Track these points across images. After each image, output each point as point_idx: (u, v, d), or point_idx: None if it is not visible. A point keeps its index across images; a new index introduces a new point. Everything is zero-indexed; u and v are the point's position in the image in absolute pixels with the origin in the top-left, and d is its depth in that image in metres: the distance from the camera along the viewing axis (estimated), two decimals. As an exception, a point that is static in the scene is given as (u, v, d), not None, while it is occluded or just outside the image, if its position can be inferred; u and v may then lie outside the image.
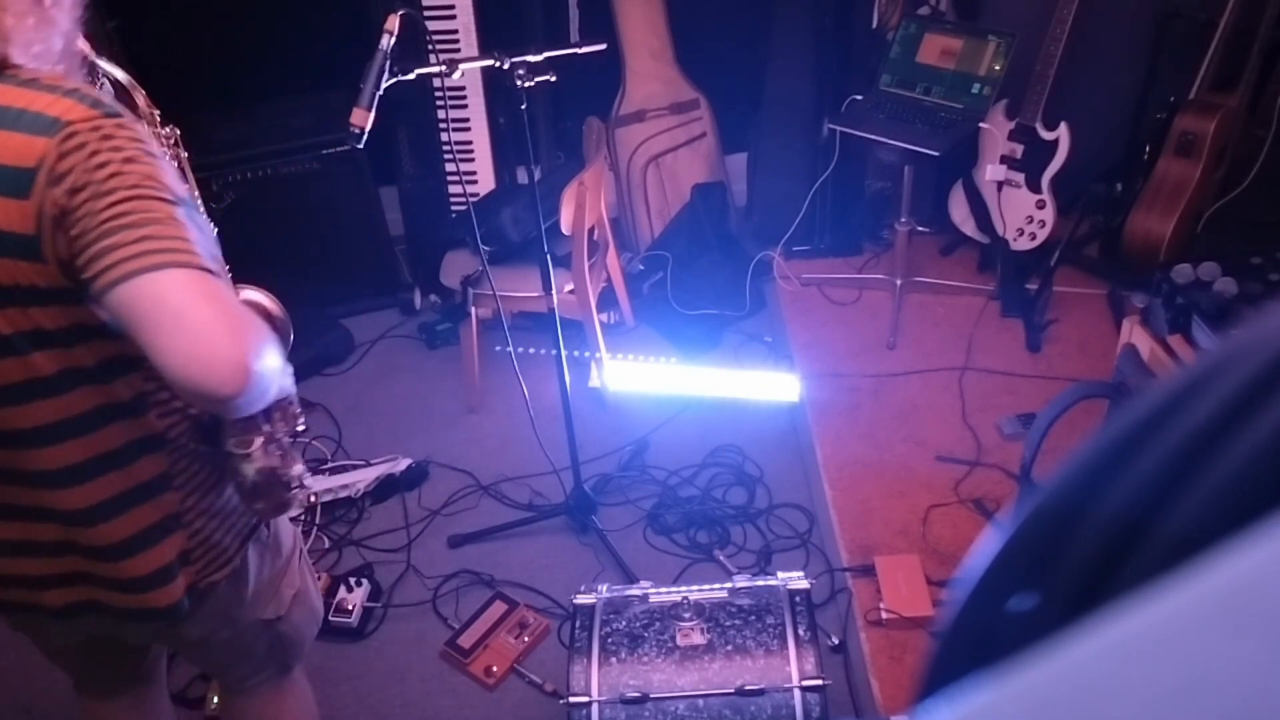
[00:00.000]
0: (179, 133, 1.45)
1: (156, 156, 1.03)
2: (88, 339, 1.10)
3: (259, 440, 1.25)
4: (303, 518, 2.64)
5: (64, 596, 1.26)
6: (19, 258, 1.02)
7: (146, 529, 1.22)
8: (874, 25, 3.18)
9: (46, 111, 1.00)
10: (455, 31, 3.05)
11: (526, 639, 2.27)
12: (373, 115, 1.76)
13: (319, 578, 2.39)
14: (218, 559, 1.30)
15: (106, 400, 1.14)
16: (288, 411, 1.34)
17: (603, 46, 2.09)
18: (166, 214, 1.00)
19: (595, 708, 1.69)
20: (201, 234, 1.04)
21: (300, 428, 1.38)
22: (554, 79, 1.99)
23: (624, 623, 1.80)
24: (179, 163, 1.35)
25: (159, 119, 1.37)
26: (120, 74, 1.35)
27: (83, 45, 1.17)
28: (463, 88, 3.15)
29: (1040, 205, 2.98)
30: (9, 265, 1.02)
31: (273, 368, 1.05)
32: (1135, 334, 2.17)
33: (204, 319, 0.98)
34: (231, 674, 1.57)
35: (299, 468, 1.31)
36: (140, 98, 1.35)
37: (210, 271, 1.01)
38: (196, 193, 1.14)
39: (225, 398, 0.98)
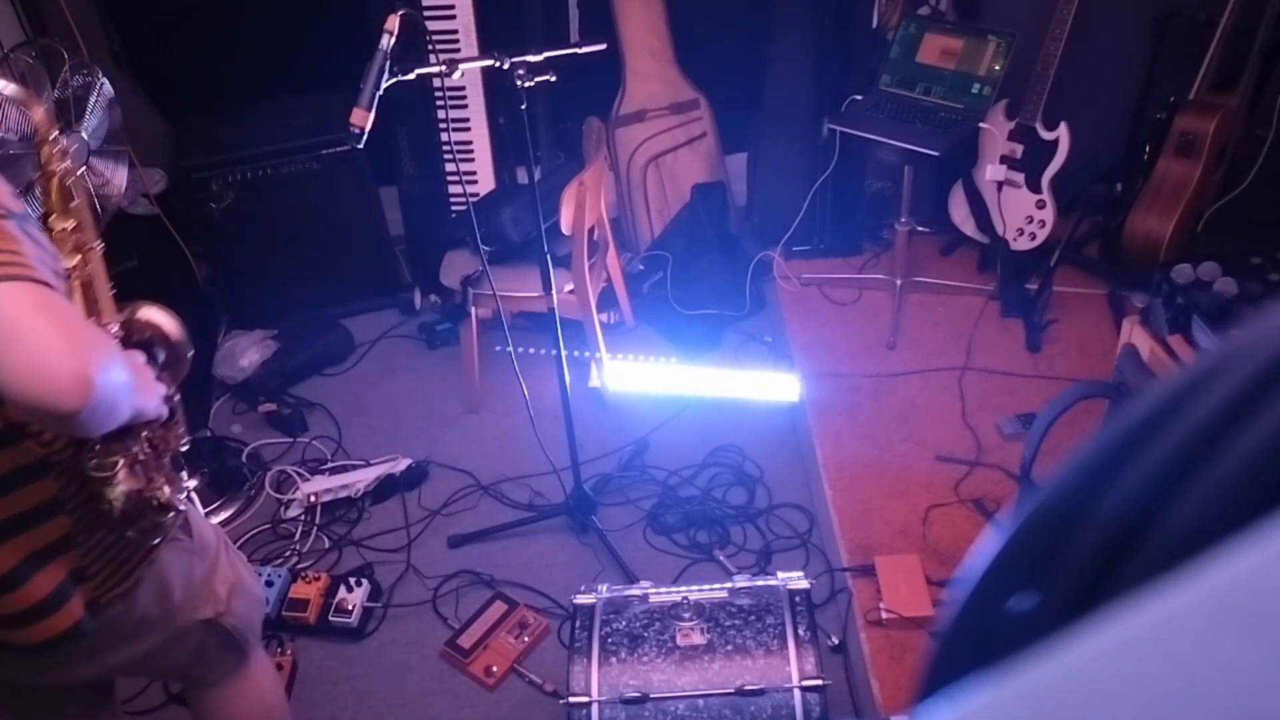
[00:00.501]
0: (82, 145, 1.39)
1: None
2: None
3: (120, 461, 1.20)
4: (303, 517, 2.64)
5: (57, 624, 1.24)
6: None
7: (31, 555, 1.18)
8: (874, 25, 3.18)
9: None
10: (455, 31, 3.05)
11: (526, 639, 2.27)
12: (373, 115, 1.76)
13: (318, 578, 2.40)
14: (117, 572, 1.28)
15: None
16: (169, 432, 1.32)
17: (603, 46, 2.09)
18: None
19: (595, 708, 1.69)
20: (38, 246, 1.01)
21: (183, 446, 1.36)
22: (554, 79, 1.99)
23: (624, 623, 1.80)
24: (69, 187, 1.30)
25: (55, 136, 1.32)
26: (9, 89, 1.32)
27: None
28: (463, 88, 3.15)
29: (1040, 205, 2.98)
30: None
31: (119, 383, 1.01)
32: (1135, 334, 2.17)
33: (38, 332, 0.93)
34: (192, 674, 1.57)
35: (168, 489, 1.26)
36: (38, 112, 1.30)
37: (45, 284, 0.97)
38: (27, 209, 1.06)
39: (66, 413, 0.94)
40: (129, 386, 1.06)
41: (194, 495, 1.47)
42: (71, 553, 1.22)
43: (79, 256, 1.27)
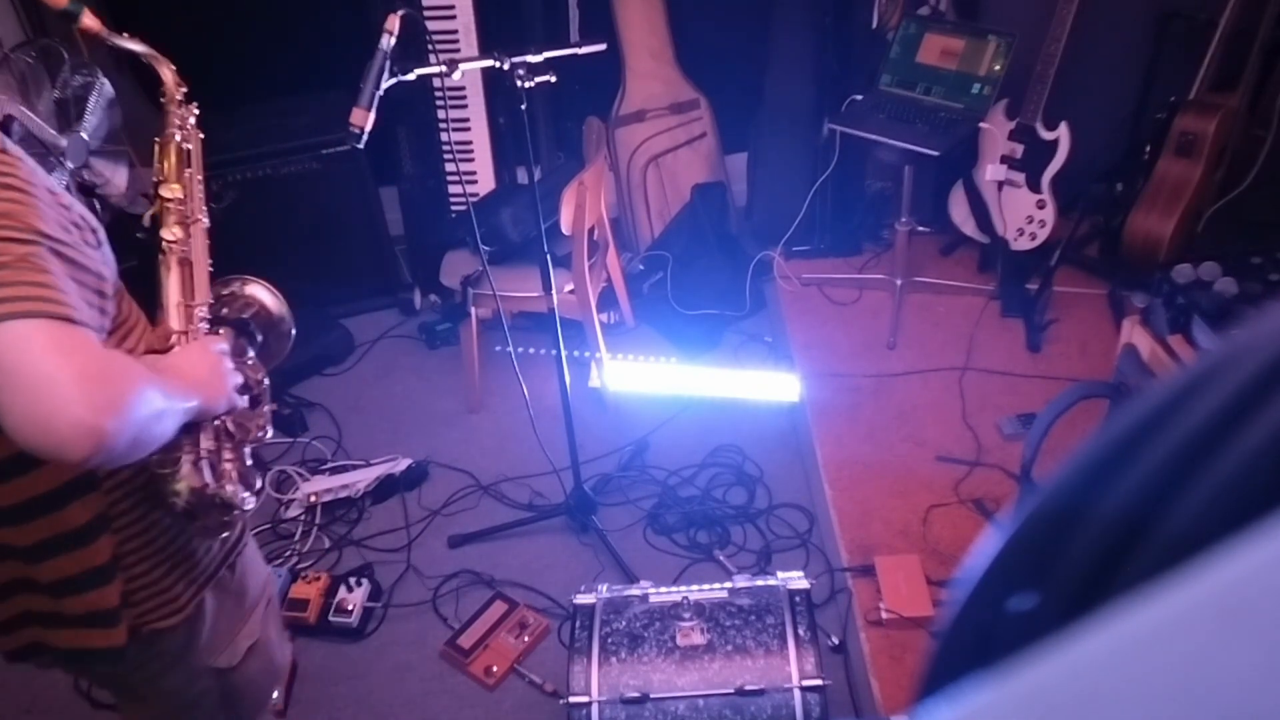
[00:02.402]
0: (197, 113, 1.40)
1: (24, 192, 0.94)
2: None
3: (187, 459, 1.15)
4: (303, 518, 2.64)
5: (12, 641, 1.23)
6: None
7: (86, 572, 1.15)
8: (874, 25, 3.18)
9: None
10: (455, 31, 3.05)
11: (526, 639, 2.27)
12: (373, 115, 1.76)
13: (318, 578, 2.39)
14: (165, 605, 1.23)
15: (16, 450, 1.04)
16: (249, 421, 1.26)
17: (603, 46, 2.10)
18: (19, 255, 0.90)
19: (595, 708, 1.69)
20: (76, 268, 0.97)
21: (267, 436, 1.30)
22: (554, 79, 1.99)
23: (624, 623, 1.80)
24: (191, 146, 1.28)
25: (185, 96, 1.32)
26: (139, 47, 1.30)
27: None
28: (463, 88, 3.15)
29: (1040, 205, 2.98)
30: None
31: (144, 417, 0.95)
32: (1135, 334, 2.17)
33: (45, 376, 0.88)
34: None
35: (230, 488, 1.20)
36: (167, 72, 1.30)
37: (67, 319, 0.91)
38: (92, 223, 1.04)
39: (74, 461, 0.89)
40: (165, 413, 1.01)
41: (250, 538, 1.39)
42: (119, 577, 1.18)
43: (181, 230, 1.24)
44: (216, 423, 1.20)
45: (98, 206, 2.32)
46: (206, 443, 1.17)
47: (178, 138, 1.26)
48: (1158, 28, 2.96)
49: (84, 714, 2.19)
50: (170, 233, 1.24)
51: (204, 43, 3.35)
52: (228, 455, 1.22)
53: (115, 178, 2.32)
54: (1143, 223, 2.93)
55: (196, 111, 1.31)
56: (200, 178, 1.31)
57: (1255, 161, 3.00)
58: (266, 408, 1.31)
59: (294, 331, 1.38)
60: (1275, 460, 0.22)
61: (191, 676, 1.33)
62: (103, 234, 1.10)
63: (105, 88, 2.26)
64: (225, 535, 1.28)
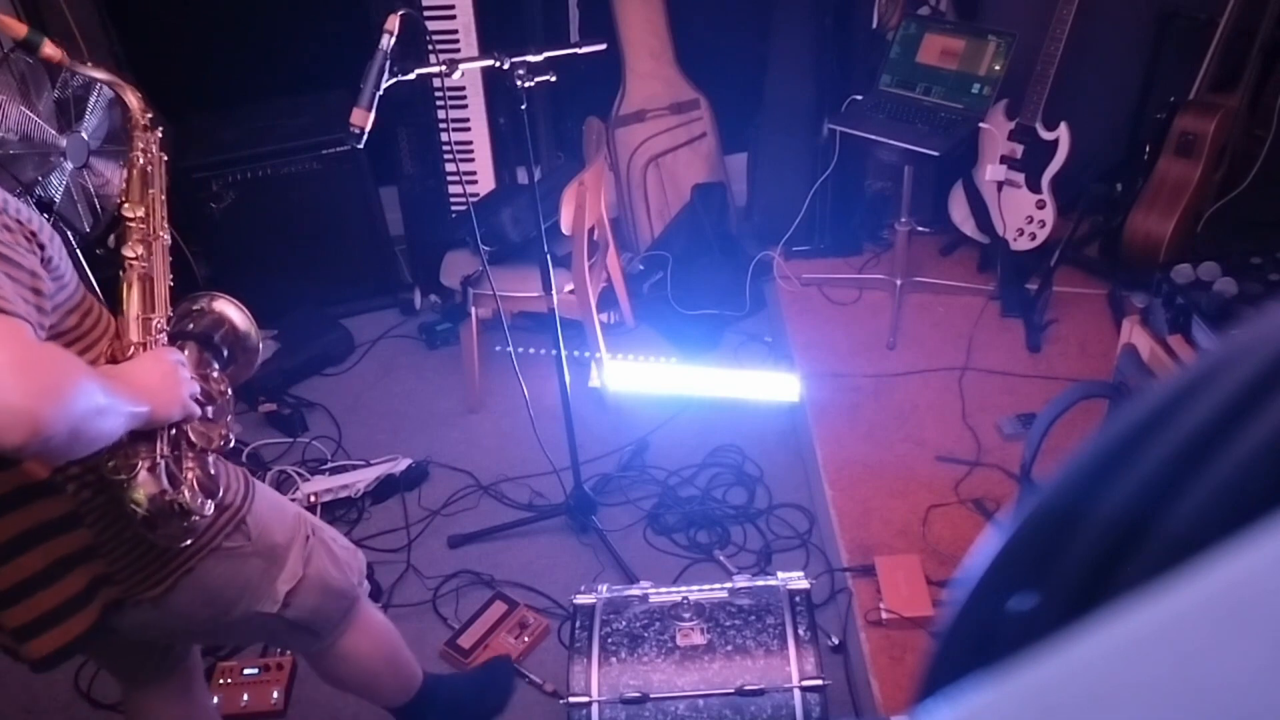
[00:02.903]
0: (160, 136, 1.41)
1: None
2: None
3: (142, 464, 1.17)
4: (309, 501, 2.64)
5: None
6: None
7: (50, 565, 1.19)
8: (874, 25, 3.18)
9: None
10: (455, 31, 3.05)
11: (526, 639, 2.27)
12: (373, 115, 1.76)
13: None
14: (149, 579, 1.28)
15: None
16: (210, 430, 1.29)
17: (603, 46, 2.09)
18: None
19: (595, 708, 1.69)
20: (9, 265, 0.99)
21: (228, 444, 1.34)
22: (554, 79, 1.99)
23: (624, 623, 1.80)
24: (153, 168, 1.31)
25: (150, 121, 1.34)
26: (102, 75, 1.32)
27: None
28: (463, 88, 3.15)
29: (1040, 205, 2.98)
30: None
31: (83, 410, 0.97)
32: (1135, 334, 2.17)
33: None
34: (281, 645, 1.63)
35: (189, 494, 1.22)
36: (131, 96, 1.32)
37: (2, 312, 0.94)
38: (36, 228, 1.07)
39: (10, 446, 0.91)
40: (103, 409, 1.02)
41: (257, 487, 1.45)
42: (96, 561, 1.22)
43: (141, 248, 1.27)
44: (173, 431, 1.23)
45: (99, 207, 2.32)
46: (162, 449, 1.20)
47: (141, 161, 1.28)
48: (1158, 28, 2.96)
49: (84, 714, 2.20)
50: (132, 250, 1.27)
51: (204, 43, 3.36)
52: (189, 463, 1.25)
53: (115, 178, 2.32)
54: (1143, 223, 2.93)
55: (160, 135, 1.34)
56: (163, 198, 1.34)
57: (1255, 161, 3.00)
58: (230, 418, 1.36)
59: (261, 347, 1.43)
60: (1275, 460, 0.22)
61: (240, 621, 1.42)
62: (55, 245, 1.13)
63: (105, 88, 2.26)
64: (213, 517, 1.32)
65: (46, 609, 1.21)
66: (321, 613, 1.57)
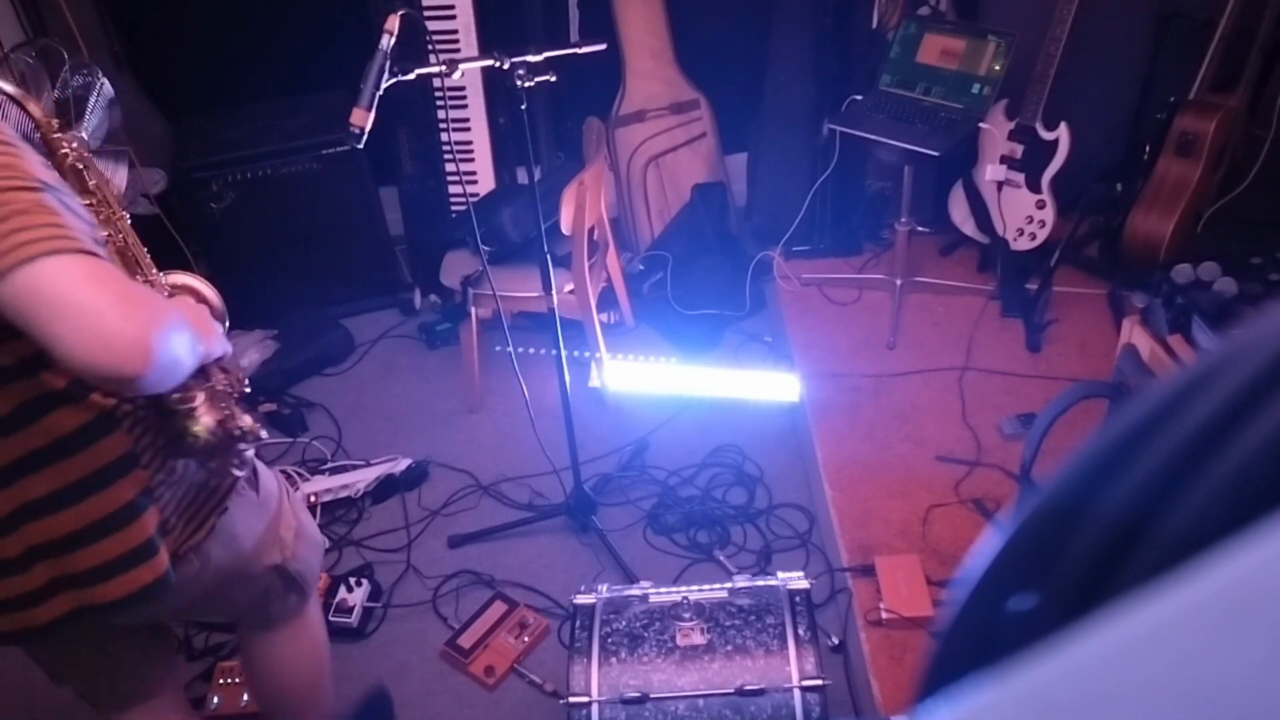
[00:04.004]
0: (81, 139, 1.42)
1: (14, 145, 1.01)
2: (2, 340, 1.08)
3: (201, 395, 1.25)
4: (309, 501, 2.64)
5: (49, 613, 1.25)
6: None
7: (119, 509, 1.21)
8: (874, 25, 3.18)
9: None
10: (455, 31, 3.05)
11: (526, 639, 2.27)
12: (373, 115, 1.76)
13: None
14: (193, 521, 1.32)
15: (39, 393, 1.12)
16: (230, 375, 1.36)
17: (603, 46, 2.09)
18: (32, 201, 0.97)
19: (595, 708, 1.69)
20: (77, 217, 1.02)
21: (246, 388, 1.40)
22: (554, 79, 1.99)
23: (624, 623, 1.80)
24: (83, 164, 1.34)
25: (57, 126, 1.34)
26: (8, 87, 1.33)
27: None
28: (463, 88, 3.15)
29: (1040, 205, 2.98)
30: None
31: (180, 340, 1.04)
32: (1135, 334, 2.17)
33: (94, 301, 0.95)
34: (254, 615, 1.62)
35: (248, 419, 1.32)
36: (34, 107, 1.32)
37: (92, 253, 0.98)
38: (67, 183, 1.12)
39: (129, 377, 0.97)
40: (191, 340, 1.09)
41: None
42: (153, 506, 1.25)
43: (108, 229, 1.30)
44: (213, 368, 1.30)
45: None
46: (217, 380, 1.28)
47: (70, 159, 1.29)
48: (1158, 28, 2.95)
49: (84, 714, 2.19)
50: (103, 230, 1.30)
51: (204, 43, 3.36)
52: (228, 399, 1.32)
53: (115, 177, 2.32)
54: (1142, 223, 2.93)
55: (69, 131, 1.35)
56: (106, 179, 1.36)
57: (1255, 161, 3.00)
58: (238, 366, 1.40)
59: (226, 320, 1.46)
60: (1275, 460, 0.22)
61: (253, 577, 1.48)
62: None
63: (105, 88, 2.26)
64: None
65: (117, 553, 1.22)
66: (311, 565, 1.63)
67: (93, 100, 2.24)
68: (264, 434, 1.36)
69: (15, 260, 0.93)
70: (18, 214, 0.95)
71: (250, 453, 1.36)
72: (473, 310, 2.80)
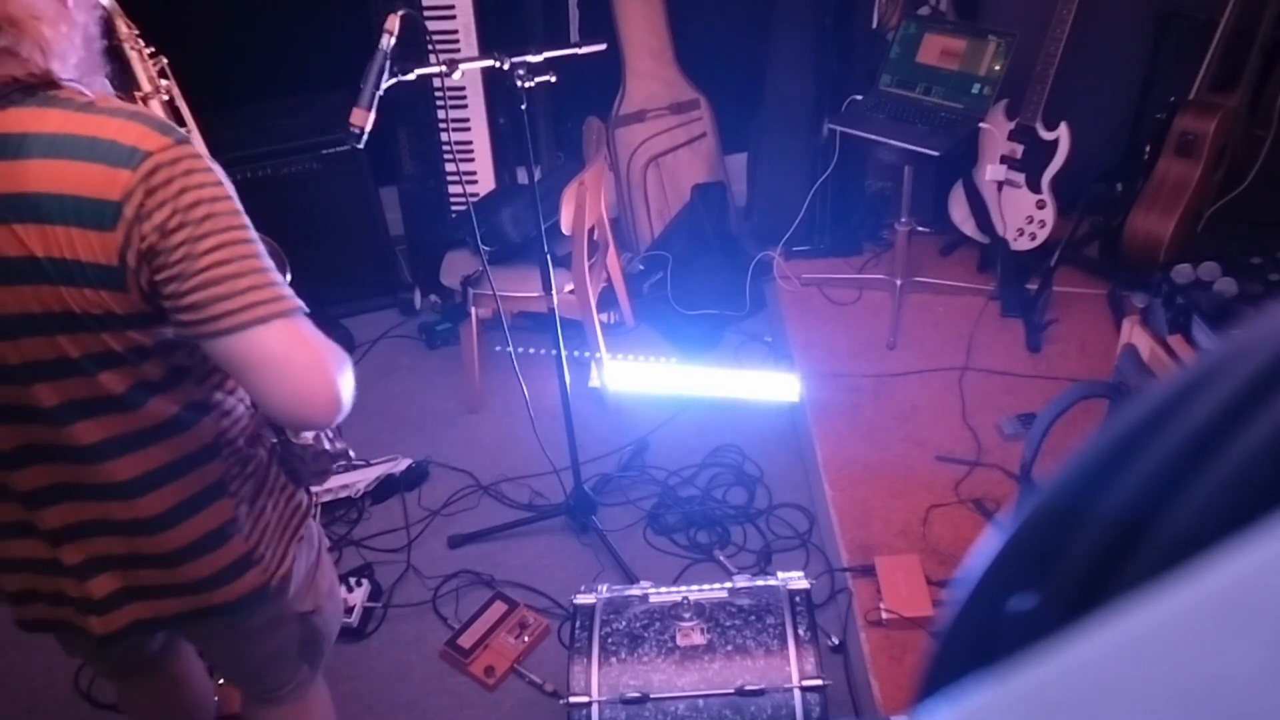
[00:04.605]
0: (166, 61, 1.47)
1: (224, 181, 1.08)
2: (153, 356, 1.12)
3: None
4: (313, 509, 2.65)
5: (115, 620, 1.27)
6: (100, 287, 1.03)
7: (209, 533, 1.25)
8: (874, 25, 3.18)
9: (119, 139, 1.00)
10: (455, 31, 3.05)
11: (526, 639, 2.27)
12: (373, 115, 1.76)
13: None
14: (274, 557, 1.33)
15: (169, 413, 1.17)
16: None
17: (603, 46, 2.09)
18: (255, 253, 1.06)
19: (595, 708, 1.69)
20: (251, 230, 1.09)
21: None
22: (554, 79, 1.99)
23: (624, 623, 1.80)
24: (171, 96, 1.40)
25: (143, 45, 1.39)
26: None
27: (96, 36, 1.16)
28: (463, 88, 3.15)
29: (1040, 205, 2.98)
30: (88, 294, 1.03)
31: (350, 382, 1.15)
32: (1135, 334, 2.17)
33: (303, 366, 1.08)
34: (266, 679, 1.55)
35: (341, 443, 1.43)
36: (121, 22, 1.36)
37: (300, 310, 1.08)
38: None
39: (322, 426, 1.19)
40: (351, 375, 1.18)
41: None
42: (238, 536, 1.27)
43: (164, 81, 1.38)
44: None
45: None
46: None
47: (149, 61, 1.40)
48: (1158, 28, 2.96)
49: (84, 714, 2.20)
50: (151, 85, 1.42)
51: (204, 43, 3.36)
52: None
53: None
54: (1143, 223, 2.93)
55: (164, 60, 1.44)
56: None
57: (1255, 161, 3.00)
58: None
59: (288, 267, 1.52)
60: (1275, 460, 0.22)
61: (283, 622, 1.44)
62: None
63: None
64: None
65: (197, 535, 1.24)
66: (332, 626, 1.57)
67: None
68: (352, 454, 1.43)
69: (246, 320, 1.03)
70: (251, 271, 1.04)
71: (339, 466, 1.43)
72: (473, 310, 2.80)
